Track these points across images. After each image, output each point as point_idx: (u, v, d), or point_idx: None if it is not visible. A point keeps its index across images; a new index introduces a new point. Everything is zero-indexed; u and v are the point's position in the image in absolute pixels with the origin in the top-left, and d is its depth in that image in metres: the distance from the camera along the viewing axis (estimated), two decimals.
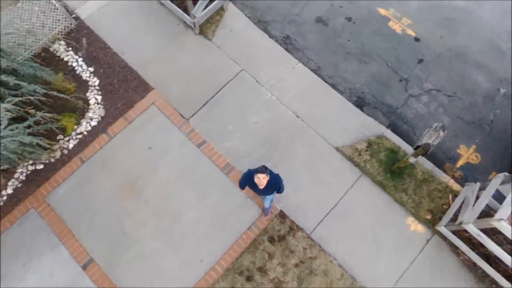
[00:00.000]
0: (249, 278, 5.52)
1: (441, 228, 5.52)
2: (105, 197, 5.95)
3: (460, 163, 6.39)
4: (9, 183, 5.97)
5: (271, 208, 5.69)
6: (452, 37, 7.22)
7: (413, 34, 7.25)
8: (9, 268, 5.59)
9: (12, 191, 5.96)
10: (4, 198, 5.92)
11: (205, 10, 6.79)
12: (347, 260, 5.60)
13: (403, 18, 7.37)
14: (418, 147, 5.11)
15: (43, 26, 6.83)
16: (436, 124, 5.04)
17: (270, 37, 7.11)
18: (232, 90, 6.62)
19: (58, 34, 6.86)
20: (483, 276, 5.45)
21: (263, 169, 4.43)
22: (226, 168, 6.10)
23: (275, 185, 4.75)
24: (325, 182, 6.01)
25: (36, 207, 5.89)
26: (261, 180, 4.42)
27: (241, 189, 5.15)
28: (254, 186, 4.72)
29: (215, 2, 6.90)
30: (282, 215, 5.82)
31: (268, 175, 4.47)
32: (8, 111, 5.13)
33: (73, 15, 7.10)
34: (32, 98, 5.60)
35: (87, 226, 5.79)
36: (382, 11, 7.42)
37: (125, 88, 6.63)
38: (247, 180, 4.80)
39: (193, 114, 6.45)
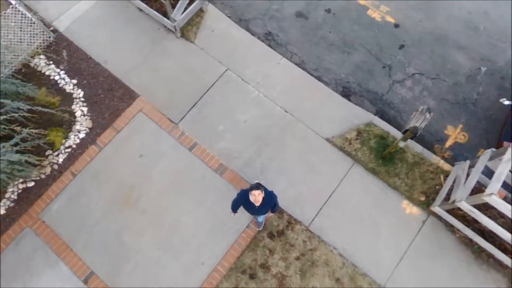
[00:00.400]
0: (252, 276, 5.54)
1: (436, 208, 5.62)
2: (101, 209, 5.90)
3: (448, 143, 6.51)
4: (1, 204, 5.87)
5: (264, 221, 5.70)
6: (431, 21, 7.34)
7: (393, 20, 7.35)
8: None
9: (4, 212, 5.86)
10: None
11: (185, 13, 6.76)
12: (347, 249, 5.66)
13: (381, 5, 7.46)
14: (406, 131, 5.20)
15: (21, 42, 6.72)
16: (422, 107, 5.13)
17: (252, 34, 7.12)
18: (219, 90, 6.62)
19: (37, 48, 6.76)
20: (480, 251, 5.58)
21: (258, 186, 4.40)
22: (219, 168, 6.10)
23: (270, 201, 4.70)
24: (319, 173, 6.07)
25: (30, 225, 5.81)
26: (257, 196, 4.37)
27: (234, 212, 5.06)
28: (249, 206, 4.67)
29: (194, 4, 6.88)
30: (279, 211, 5.86)
31: (263, 192, 4.42)
32: None
33: (51, 28, 7.00)
34: (16, 115, 5.51)
35: (85, 240, 5.73)
36: (361, 1, 7.50)
37: (110, 97, 6.57)
38: (241, 201, 4.74)
39: (182, 118, 6.43)
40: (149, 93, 6.59)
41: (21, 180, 5.97)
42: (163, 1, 6.27)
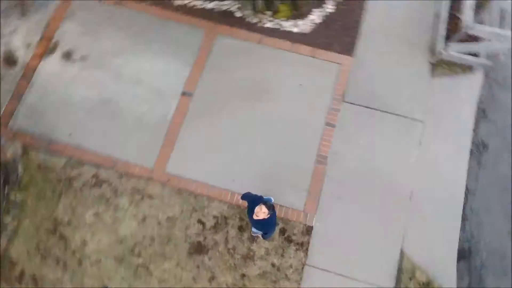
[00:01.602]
0: None
1: None
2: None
3: None
4: None
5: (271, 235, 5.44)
6: None
7: None
8: None
9: None
10: None
11: None
12: None
13: None
14: None
15: None
16: None
17: None
18: None
19: None
20: None
21: (270, 206, 4.37)
22: None
23: (267, 226, 4.72)
24: None
25: None
26: (260, 213, 4.34)
27: (242, 199, 5.14)
28: (250, 211, 4.64)
29: None
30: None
31: (269, 215, 4.39)
32: None
33: None
34: None
35: None
36: None
37: None
38: (250, 200, 4.78)
39: None
40: None
41: None
42: None
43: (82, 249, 5.81)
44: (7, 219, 5.87)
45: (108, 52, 6.69)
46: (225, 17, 6.84)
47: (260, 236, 5.53)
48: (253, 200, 4.74)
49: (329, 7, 6.88)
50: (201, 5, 6.91)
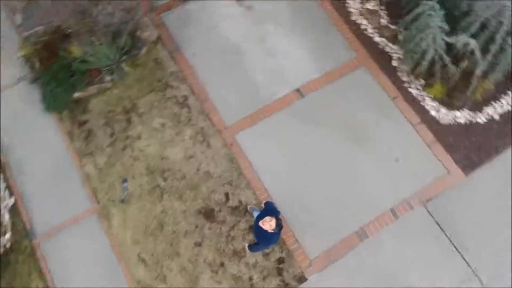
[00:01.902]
0: None
1: None
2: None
3: None
4: None
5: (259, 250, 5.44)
6: None
7: None
8: None
9: None
10: None
11: None
12: None
13: None
14: None
15: None
16: None
17: None
18: None
19: None
20: None
21: (279, 225, 4.42)
22: None
23: (262, 238, 4.71)
24: None
25: None
26: (267, 223, 4.38)
27: (263, 204, 5.27)
28: (258, 219, 4.58)
29: None
30: None
31: (274, 231, 4.41)
32: None
33: None
34: None
35: None
36: None
37: None
38: (268, 209, 4.84)
39: None
40: None
41: None
42: None
43: (134, 141, 6.38)
44: (107, 78, 6.67)
45: (269, 16, 7.03)
46: (381, 57, 6.69)
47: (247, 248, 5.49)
48: (271, 210, 4.79)
49: (481, 118, 6.29)
50: (371, 33, 6.85)
